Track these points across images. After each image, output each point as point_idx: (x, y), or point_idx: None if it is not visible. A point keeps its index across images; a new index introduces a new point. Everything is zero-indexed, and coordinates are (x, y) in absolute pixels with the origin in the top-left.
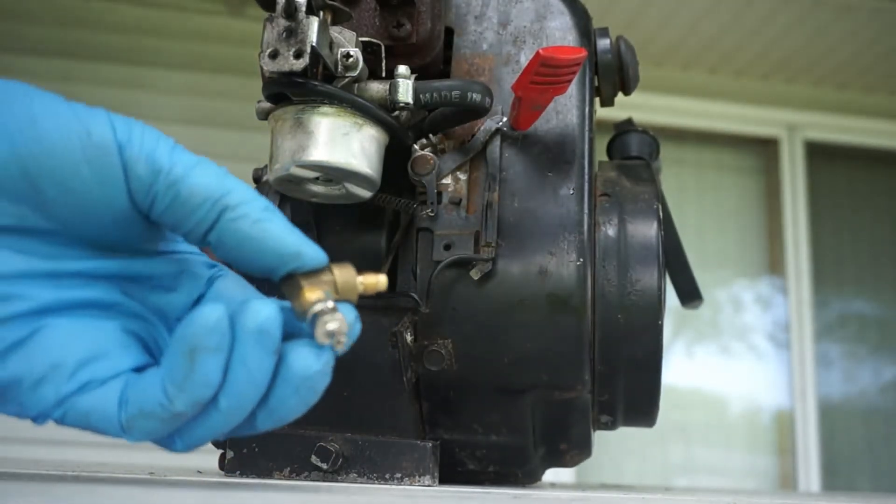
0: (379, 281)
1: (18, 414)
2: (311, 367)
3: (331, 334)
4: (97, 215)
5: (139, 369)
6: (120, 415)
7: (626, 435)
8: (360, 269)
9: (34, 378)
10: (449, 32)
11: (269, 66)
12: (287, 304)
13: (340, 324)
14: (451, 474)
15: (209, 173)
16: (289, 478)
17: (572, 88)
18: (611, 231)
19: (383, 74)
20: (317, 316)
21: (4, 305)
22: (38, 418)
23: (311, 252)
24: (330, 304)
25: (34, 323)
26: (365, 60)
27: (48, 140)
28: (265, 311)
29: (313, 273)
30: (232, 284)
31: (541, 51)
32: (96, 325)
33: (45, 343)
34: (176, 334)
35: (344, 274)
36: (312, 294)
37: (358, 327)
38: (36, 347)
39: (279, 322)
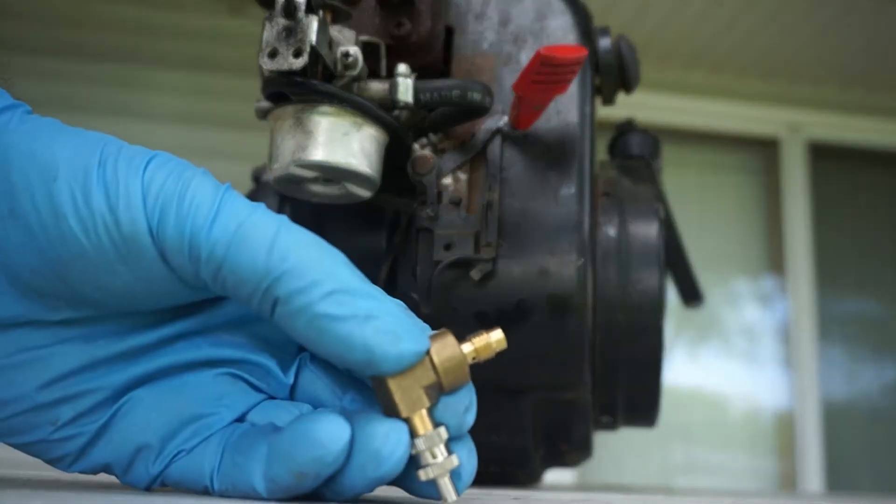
0: (492, 341)
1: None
2: (385, 468)
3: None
4: (151, 301)
5: (243, 417)
6: (211, 485)
7: (627, 435)
8: (458, 335)
9: (123, 465)
10: (449, 31)
11: (269, 66)
12: None
13: (447, 476)
14: None
15: (252, 252)
16: None
17: (573, 88)
18: (612, 231)
19: (383, 74)
20: (421, 466)
21: (76, 404)
22: (144, 488)
23: (386, 356)
24: (436, 452)
25: (112, 407)
26: (365, 60)
27: (75, 243)
28: (390, 462)
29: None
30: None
31: (541, 50)
32: (180, 388)
33: (127, 426)
34: (282, 448)
35: (444, 352)
36: (406, 409)
37: (472, 465)
38: (118, 433)
39: (402, 465)
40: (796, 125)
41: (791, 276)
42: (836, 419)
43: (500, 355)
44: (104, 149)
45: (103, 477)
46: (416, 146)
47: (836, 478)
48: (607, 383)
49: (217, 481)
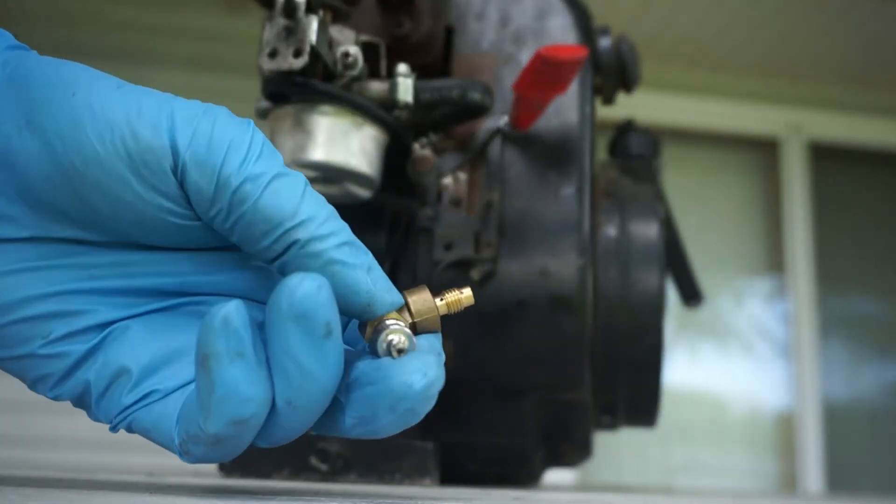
0: (462, 297)
1: (96, 420)
2: (411, 385)
3: (395, 347)
4: (161, 228)
5: None
6: (174, 436)
7: (627, 435)
8: (437, 291)
9: (100, 388)
10: (449, 31)
11: (268, 66)
12: None
13: (401, 336)
14: (451, 475)
15: (284, 194)
16: (288, 479)
17: (573, 88)
18: (612, 231)
19: (383, 74)
20: (379, 330)
21: (70, 321)
22: (111, 428)
23: (384, 301)
24: (400, 322)
25: (104, 331)
26: (365, 60)
27: (90, 149)
28: (302, 288)
29: None
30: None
31: (541, 50)
32: (173, 325)
33: (113, 350)
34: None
35: (420, 302)
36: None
37: (438, 361)
38: (103, 355)
39: (324, 298)
40: (797, 125)
41: (791, 276)
42: (836, 419)
43: (500, 355)
44: (122, 82)
45: (103, 477)
46: (416, 146)
47: (837, 478)
48: (607, 383)
49: (178, 429)
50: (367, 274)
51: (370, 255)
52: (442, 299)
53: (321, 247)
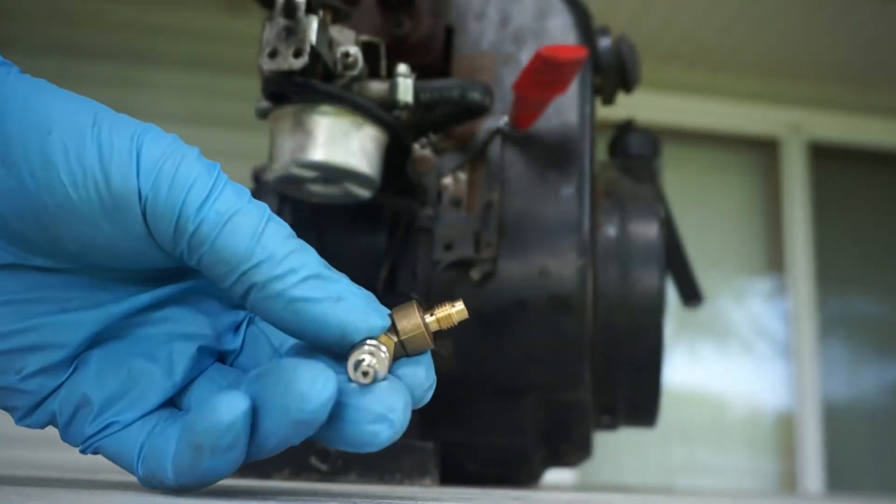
0: (453, 312)
1: (66, 442)
2: (377, 434)
3: (360, 369)
4: (129, 263)
5: (190, 384)
6: (136, 468)
7: (627, 435)
8: (425, 304)
9: (65, 417)
10: (449, 31)
11: (268, 66)
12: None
13: (369, 359)
14: (451, 475)
15: (240, 234)
16: (288, 479)
17: (573, 88)
18: (612, 231)
19: (383, 74)
20: (353, 349)
21: (43, 355)
22: (80, 451)
23: (358, 330)
24: (376, 344)
25: (74, 364)
26: (365, 60)
27: (62, 192)
28: (209, 421)
29: None
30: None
31: (541, 50)
32: (131, 352)
33: (76, 380)
34: (186, 420)
35: (405, 316)
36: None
37: (405, 406)
38: (67, 385)
39: (234, 433)
40: (797, 125)
41: (791, 276)
42: (836, 419)
43: (500, 355)
44: (98, 113)
45: (103, 477)
46: (416, 146)
47: (837, 478)
48: (607, 383)
49: (141, 466)
50: (335, 305)
51: (344, 280)
52: (432, 314)
53: (280, 287)
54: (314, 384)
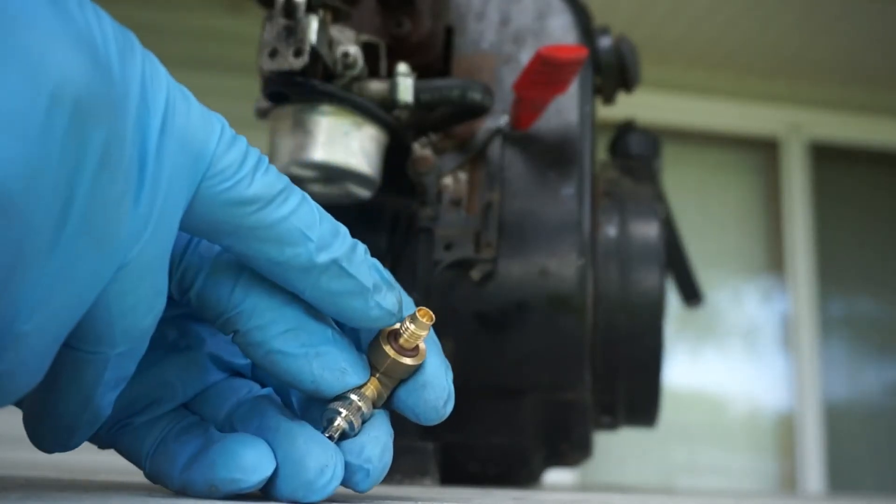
0: (412, 328)
1: None
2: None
3: (328, 432)
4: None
5: (200, 394)
6: (144, 465)
7: (627, 435)
8: (424, 304)
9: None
10: (449, 31)
11: (268, 65)
12: None
13: (340, 418)
14: (451, 475)
15: (219, 287)
16: None
17: (573, 88)
18: (612, 231)
19: (383, 74)
20: (326, 410)
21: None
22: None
23: (331, 388)
24: (351, 398)
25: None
26: (365, 59)
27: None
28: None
29: None
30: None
31: (541, 50)
32: (154, 360)
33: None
34: (208, 458)
35: (374, 353)
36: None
37: (437, 402)
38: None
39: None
40: (797, 125)
41: (791, 276)
42: (836, 419)
43: (500, 355)
44: None
45: (103, 477)
46: (416, 146)
47: (837, 478)
48: (607, 383)
49: (149, 463)
50: (312, 361)
51: (328, 333)
52: (397, 338)
53: (261, 337)
54: (321, 475)
